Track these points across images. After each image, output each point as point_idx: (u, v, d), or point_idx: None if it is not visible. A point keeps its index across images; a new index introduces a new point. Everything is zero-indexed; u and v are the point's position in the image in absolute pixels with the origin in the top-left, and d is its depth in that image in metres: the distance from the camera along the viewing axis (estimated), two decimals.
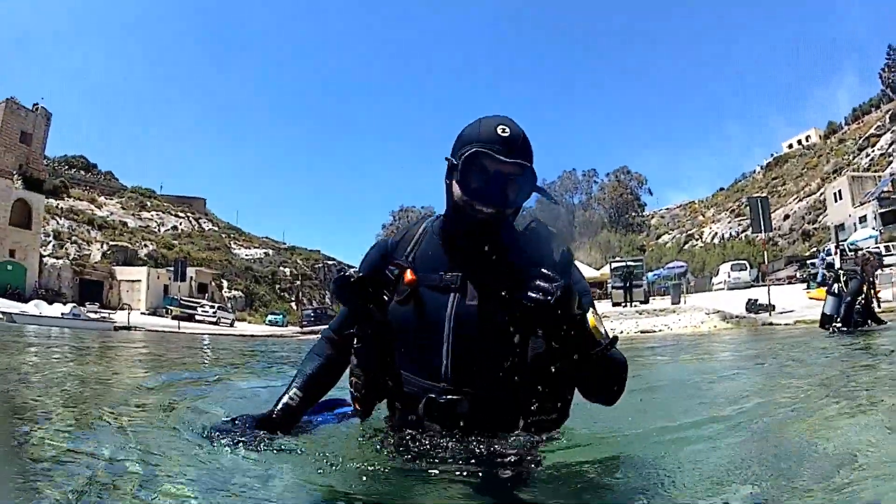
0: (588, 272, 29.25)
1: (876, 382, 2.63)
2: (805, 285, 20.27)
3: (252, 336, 22.70)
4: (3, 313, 17.54)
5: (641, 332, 12.44)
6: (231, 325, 32.59)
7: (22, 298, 25.60)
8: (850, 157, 48.07)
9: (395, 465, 1.19)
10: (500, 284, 1.22)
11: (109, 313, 25.65)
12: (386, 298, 1.35)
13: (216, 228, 59.15)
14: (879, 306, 7.61)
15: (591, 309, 1.22)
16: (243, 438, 1.28)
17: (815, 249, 33.50)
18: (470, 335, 1.26)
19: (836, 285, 7.03)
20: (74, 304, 23.06)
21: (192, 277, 36.96)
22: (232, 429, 1.33)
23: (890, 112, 47.88)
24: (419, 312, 1.29)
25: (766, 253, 21.70)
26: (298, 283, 54.44)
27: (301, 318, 36.98)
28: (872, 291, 7.12)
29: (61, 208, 42.23)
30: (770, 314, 12.28)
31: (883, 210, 32.40)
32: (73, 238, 39.65)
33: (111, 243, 40.96)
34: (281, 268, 54.84)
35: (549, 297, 1.09)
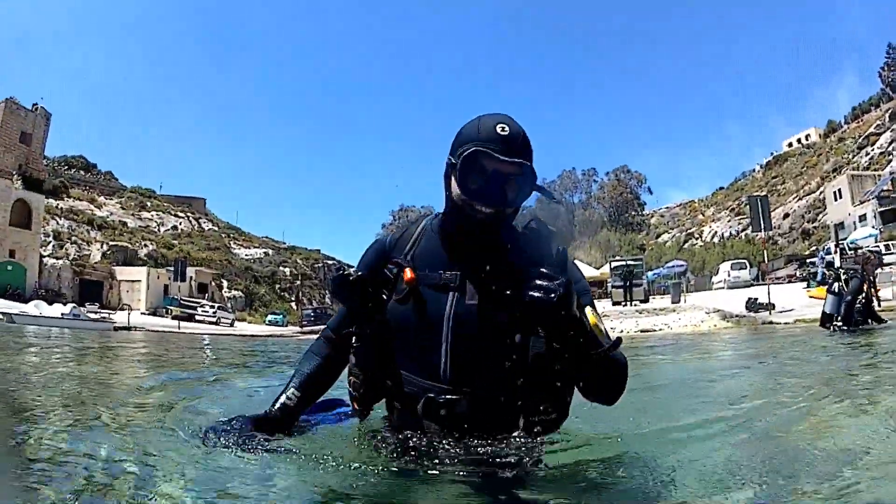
0: (588, 271, 29.25)
1: (878, 382, 2.62)
2: (805, 284, 20.28)
3: (252, 336, 22.69)
4: (3, 314, 17.53)
5: (641, 331, 12.44)
6: (231, 325, 32.58)
7: (22, 299, 25.59)
8: (850, 156, 48.04)
9: (394, 465, 1.18)
10: (500, 284, 1.22)
11: (109, 313, 25.65)
12: (385, 297, 1.34)
13: (216, 228, 59.15)
14: (879, 305, 7.61)
15: (591, 308, 1.22)
16: (240, 439, 1.27)
17: (814, 248, 33.51)
18: (469, 335, 1.25)
19: (836, 284, 7.04)
20: (74, 305, 23.05)
21: (191, 277, 36.95)
22: (229, 429, 1.32)
23: (890, 111, 47.86)
24: (418, 311, 1.28)
25: (765, 252, 21.70)
26: (298, 282, 54.42)
27: (301, 317, 36.96)
28: (873, 290, 7.12)
29: (61, 208, 42.22)
30: (770, 313, 12.28)
31: (882, 209, 32.40)
32: (73, 238, 39.65)
33: (111, 243, 40.95)
34: (281, 268, 54.83)
35: (553, 296, 1.08)
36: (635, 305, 18.80)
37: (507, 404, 1.24)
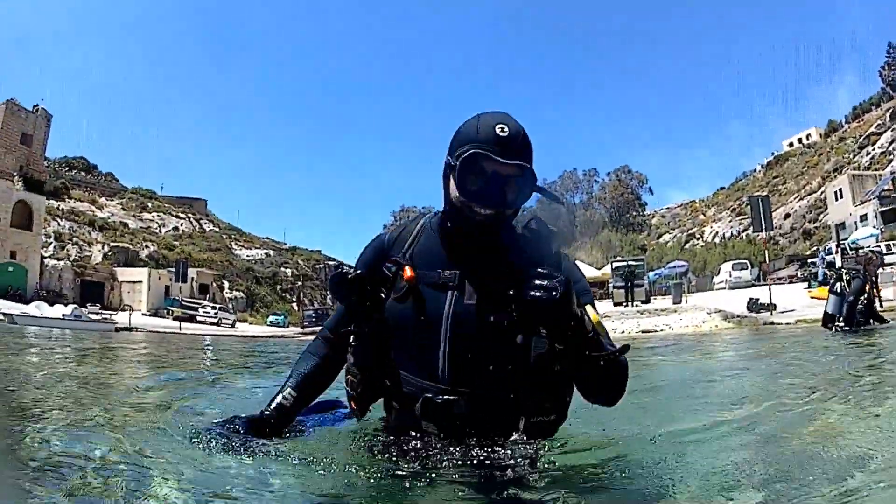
0: (589, 272, 29.23)
1: (882, 382, 2.60)
2: (806, 284, 20.25)
3: (253, 337, 22.72)
4: (5, 315, 17.57)
5: (643, 331, 12.43)
6: (232, 325, 32.63)
7: (23, 300, 25.64)
8: (851, 156, 48.01)
9: (391, 466, 1.17)
10: (499, 283, 1.20)
11: (110, 314, 25.71)
12: (383, 296, 1.33)
13: (217, 229, 59.23)
14: (881, 305, 7.60)
15: (592, 308, 1.21)
16: (236, 439, 1.26)
17: (815, 248, 33.46)
18: (468, 334, 1.24)
19: (838, 284, 7.02)
20: (75, 306, 23.09)
21: (193, 278, 36.96)
22: (225, 430, 1.31)
23: (890, 110, 47.82)
24: (417, 310, 1.27)
25: (767, 252, 21.63)
26: (299, 283, 54.45)
27: (302, 318, 36.97)
28: (874, 290, 7.10)
29: (62, 209, 42.30)
30: (771, 313, 12.27)
31: (884, 209, 32.36)
32: (74, 239, 39.71)
33: (112, 244, 41.01)
34: (282, 268, 54.89)
35: (554, 294, 1.07)
36: (636, 306, 18.79)
37: (506, 405, 1.23)
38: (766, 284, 15.21)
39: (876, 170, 40.44)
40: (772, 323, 10.94)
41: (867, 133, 48.58)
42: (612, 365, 1.19)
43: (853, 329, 6.50)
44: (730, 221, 56.00)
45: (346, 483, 1.10)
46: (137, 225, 48.98)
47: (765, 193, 30.72)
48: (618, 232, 63.66)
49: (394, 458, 1.21)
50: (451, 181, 1.25)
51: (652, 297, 23.20)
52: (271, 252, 57.61)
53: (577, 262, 1.46)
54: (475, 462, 1.15)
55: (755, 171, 66.68)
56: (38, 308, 20.89)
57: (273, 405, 1.38)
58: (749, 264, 30.29)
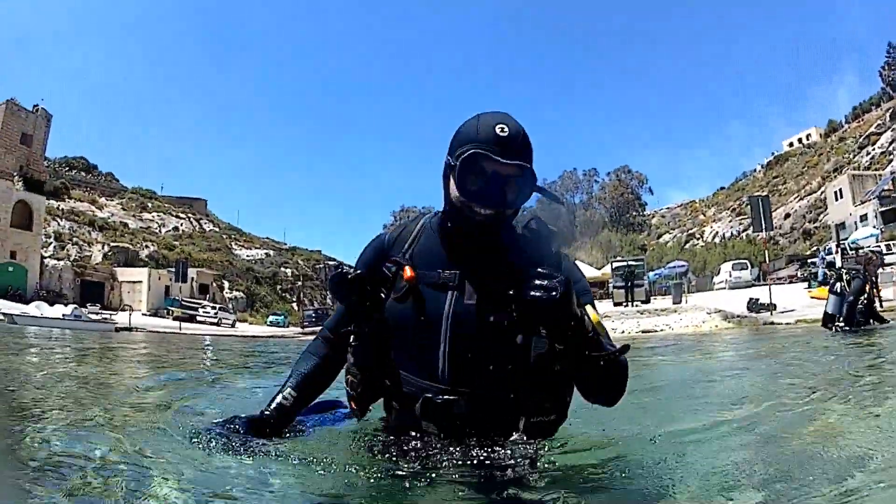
0: (589, 272, 29.21)
1: (883, 382, 2.60)
2: (806, 284, 20.25)
3: (253, 337, 22.72)
4: (5, 315, 17.56)
5: (643, 331, 12.43)
6: (232, 325, 32.62)
7: (23, 300, 25.64)
8: (851, 156, 48.00)
9: (391, 466, 1.17)
10: (499, 283, 1.20)
11: (110, 314, 25.70)
12: (383, 296, 1.32)
13: (217, 229, 59.21)
14: (881, 305, 7.60)
15: (592, 308, 1.21)
16: (236, 439, 1.26)
17: (815, 248, 33.45)
18: (468, 334, 1.23)
19: (838, 284, 7.01)
20: (75, 306, 23.08)
21: (193, 278, 36.95)
22: (225, 430, 1.31)
23: (890, 110, 47.79)
24: (417, 310, 1.27)
25: (767, 252, 21.62)
26: (299, 283, 54.44)
27: (302, 318, 36.96)
28: (874, 291, 7.10)
29: (62, 209, 42.29)
30: (771, 313, 12.27)
31: (884, 209, 32.35)
32: (74, 239, 39.70)
33: (112, 244, 41.00)
34: (282, 268, 54.87)
35: (553, 294, 1.07)
36: (636, 306, 18.78)
37: (506, 405, 1.23)
38: (766, 284, 15.21)
39: (876, 170, 40.43)
40: (772, 323, 10.94)
41: (867, 133, 48.57)
42: (612, 365, 1.18)
43: (853, 329, 6.49)
44: (730, 221, 55.98)
45: (346, 483, 1.10)
46: (137, 225, 48.97)
47: (765, 193, 30.70)
48: (618, 232, 63.63)
49: (394, 459, 1.21)
50: (451, 181, 1.25)
51: (652, 297, 23.19)
52: (271, 252, 57.60)
53: (577, 262, 1.46)
54: (475, 462, 1.15)
55: (755, 171, 66.65)
56: (38, 308, 20.89)
57: (273, 405, 1.37)
58: (749, 264, 30.28)
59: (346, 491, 1.07)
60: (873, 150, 45.73)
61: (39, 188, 38.43)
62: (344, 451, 1.29)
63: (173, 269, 27.59)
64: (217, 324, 31.31)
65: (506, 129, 1.21)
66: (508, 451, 1.18)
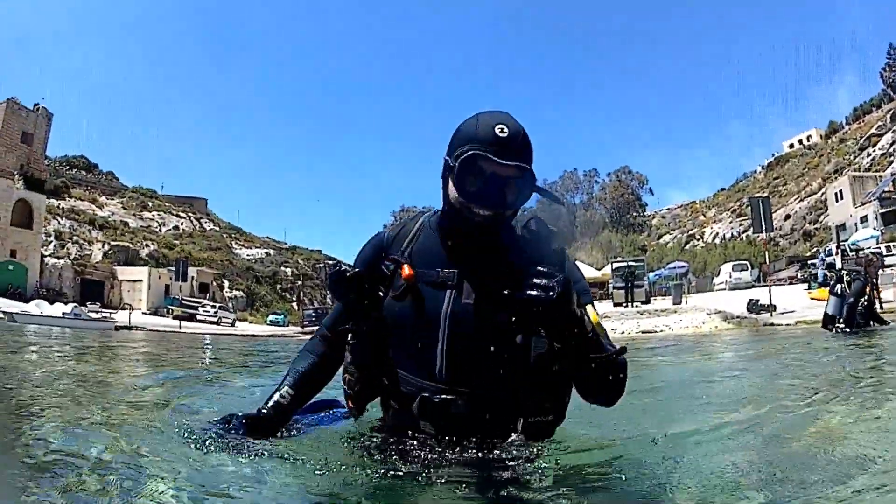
0: (589, 272, 29.23)
1: (883, 384, 2.59)
2: (806, 285, 20.25)
3: (253, 336, 22.71)
4: (5, 313, 17.56)
5: (643, 332, 12.43)
6: (232, 324, 32.60)
7: (23, 298, 25.63)
8: (851, 157, 48.01)
9: (388, 465, 1.16)
10: (498, 282, 1.20)
11: (110, 313, 25.68)
12: (381, 294, 1.32)
13: (217, 228, 59.20)
14: (881, 307, 7.59)
15: (591, 308, 1.20)
16: (233, 438, 1.25)
17: (816, 250, 33.44)
18: (466, 334, 1.23)
19: (838, 286, 7.01)
20: (75, 304, 23.06)
21: (193, 277, 36.96)
22: (222, 428, 1.30)
23: (891, 111, 47.80)
24: (415, 309, 1.27)
25: (767, 253, 21.64)
26: (300, 283, 54.43)
27: (302, 318, 36.96)
28: (875, 292, 7.10)
29: (62, 208, 42.28)
30: (771, 315, 12.26)
31: (884, 210, 32.33)
32: (75, 238, 39.70)
33: (112, 243, 40.99)
34: (282, 268, 54.87)
35: (551, 293, 1.06)
36: (636, 307, 18.77)
37: (504, 405, 1.22)
38: (766, 285, 15.21)
39: (876, 171, 40.45)
40: (772, 324, 10.94)
41: (868, 134, 48.58)
42: (612, 365, 1.18)
43: (853, 330, 6.49)
44: (730, 222, 55.98)
45: (343, 482, 1.09)
46: (138, 224, 48.95)
47: (765, 194, 30.73)
48: (618, 232, 63.63)
49: (391, 458, 1.20)
50: (450, 182, 1.24)
51: (652, 298, 23.17)
52: (271, 251, 57.60)
53: (577, 263, 1.46)
54: (473, 462, 1.15)
55: (755, 171, 66.67)
56: (37, 306, 20.88)
57: (270, 403, 1.37)
58: (749, 265, 30.28)
59: (343, 490, 1.06)
60: (874, 151, 45.74)
61: (40, 187, 38.43)
62: (341, 451, 1.29)
63: (173, 268, 27.60)
64: (217, 323, 31.30)
65: (505, 129, 1.20)
66: (506, 451, 1.18)
